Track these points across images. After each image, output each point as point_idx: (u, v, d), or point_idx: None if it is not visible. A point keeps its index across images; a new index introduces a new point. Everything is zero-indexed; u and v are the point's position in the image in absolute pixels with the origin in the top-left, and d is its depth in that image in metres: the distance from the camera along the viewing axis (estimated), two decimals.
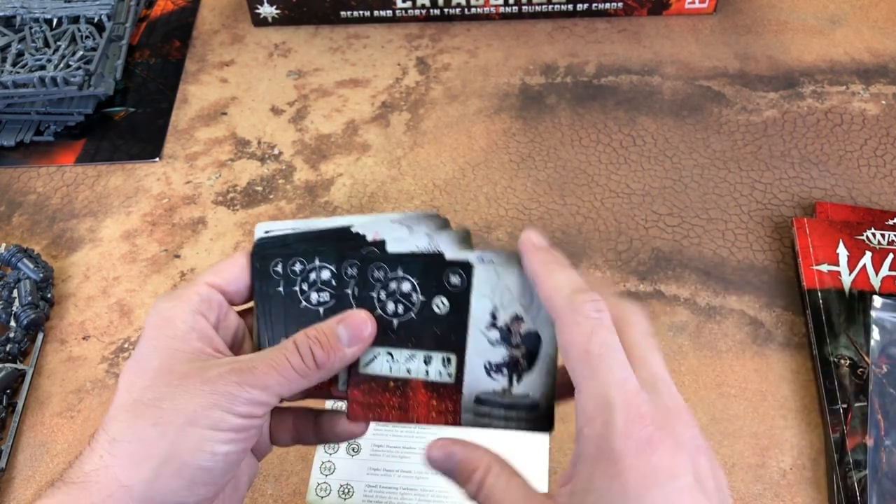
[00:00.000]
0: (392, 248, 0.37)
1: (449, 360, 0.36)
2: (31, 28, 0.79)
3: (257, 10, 0.82)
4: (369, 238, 0.37)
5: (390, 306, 0.36)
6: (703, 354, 0.56)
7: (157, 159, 0.71)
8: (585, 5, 0.81)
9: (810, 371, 0.54)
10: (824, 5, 0.82)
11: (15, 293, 0.59)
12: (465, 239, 0.37)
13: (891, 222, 0.60)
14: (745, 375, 0.55)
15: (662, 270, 0.61)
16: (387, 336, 0.36)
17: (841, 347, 0.53)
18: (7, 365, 0.55)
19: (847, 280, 0.56)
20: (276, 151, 0.71)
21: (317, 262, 0.37)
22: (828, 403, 0.51)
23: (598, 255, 0.62)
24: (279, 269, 0.37)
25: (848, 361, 0.52)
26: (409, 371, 0.36)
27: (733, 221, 0.64)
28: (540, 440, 0.52)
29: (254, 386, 0.32)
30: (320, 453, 0.52)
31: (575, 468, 0.30)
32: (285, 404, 0.37)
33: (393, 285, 0.36)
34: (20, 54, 0.76)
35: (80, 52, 0.76)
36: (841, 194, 0.65)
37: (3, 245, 0.63)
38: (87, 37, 0.78)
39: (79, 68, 0.74)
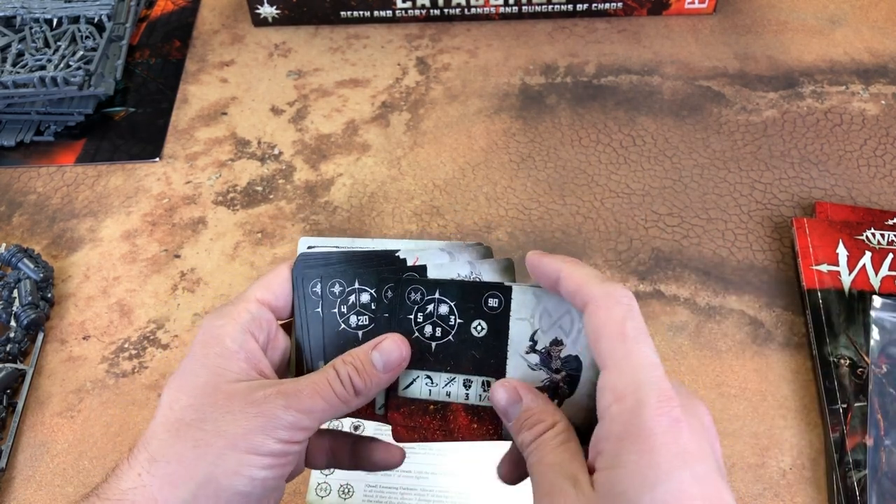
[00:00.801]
0: (432, 273, 0.36)
1: (489, 383, 0.36)
2: (31, 28, 0.79)
3: (257, 10, 0.82)
4: (409, 262, 0.37)
5: (427, 329, 0.36)
6: (703, 354, 0.56)
7: (158, 159, 0.71)
8: (585, 5, 0.81)
9: (810, 371, 0.54)
10: (824, 5, 0.82)
11: (15, 293, 0.59)
12: (508, 268, 0.37)
13: (890, 222, 0.60)
14: (745, 375, 0.55)
15: (662, 270, 0.61)
16: (424, 359, 0.36)
17: (841, 347, 0.53)
18: (7, 365, 0.55)
19: (847, 280, 0.56)
20: (276, 151, 0.71)
21: (356, 285, 0.36)
22: (827, 403, 0.51)
23: (598, 255, 0.62)
24: (318, 289, 0.37)
25: (848, 361, 0.52)
26: (448, 395, 0.36)
27: (733, 221, 0.64)
28: None
29: (299, 410, 0.32)
30: None
31: (598, 446, 0.30)
32: (323, 426, 0.37)
33: (430, 308, 0.36)
34: (20, 54, 0.76)
35: (81, 53, 0.76)
36: (841, 194, 0.65)
37: (4, 245, 0.63)
38: (87, 37, 0.78)
39: (79, 68, 0.74)
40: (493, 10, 0.81)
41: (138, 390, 0.55)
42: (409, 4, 0.81)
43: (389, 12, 0.81)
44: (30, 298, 0.58)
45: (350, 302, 0.36)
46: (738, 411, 0.53)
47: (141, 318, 0.60)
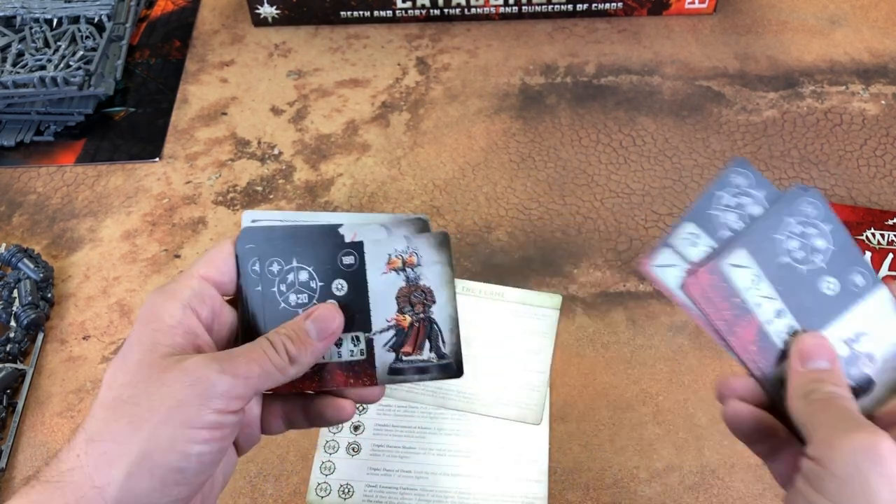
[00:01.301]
0: (369, 249, 0.37)
1: (357, 338, 0.37)
2: (31, 28, 0.79)
3: (257, 11, 0.82)
4: (348, 239, 0.38)
5: (292, 298, 0.37)
6: (703, 354, 0.56)
7: (158, 159, 0.71)
8: (585, 5, 0.81)
9: None
10: (824, 5, 0.82)
11: (15, 293, 0.59)
12: (444, 243, 0.38)
13: (890, 222, 0.60)
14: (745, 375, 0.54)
15: None
16: None
17: None
18: (7, 365, 0.55)
19: None
20: (276, 151, 0.71)
21: (294, 263, 0.37)
22: None
23: (598, 255, 0.62)
24: (257, 268, 0.37)
25: None
26: (322, 356, 0.36)
27: None
28: (540, 440, 0.52)
29: (234, 375, 0.32)
30: (321, 453, 0.52)
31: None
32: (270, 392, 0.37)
33: (290, 277, 0.37)
34: (20, 54, 0.76)
35: (81, 53, 0.76)
36: (841, 194, 0.65)
37: (4, 245, 0.63)
38: (87, 37, 0.78)
39: (79, 68, 0.74)
40: (493, 10, 0.81)
41: None
42: (409, 4, 0.81)
43: (389, 12, 0.81)
44: (30, 298, 0.58)
45: (289, 280, 0.37)
46: None
47: None
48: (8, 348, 0.56)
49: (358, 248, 0.37)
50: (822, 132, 0.70)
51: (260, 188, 0.68)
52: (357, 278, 0.37)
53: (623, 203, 0.65)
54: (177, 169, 0.70)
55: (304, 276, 0.37)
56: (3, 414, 0.53)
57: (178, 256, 0.63)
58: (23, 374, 0.56)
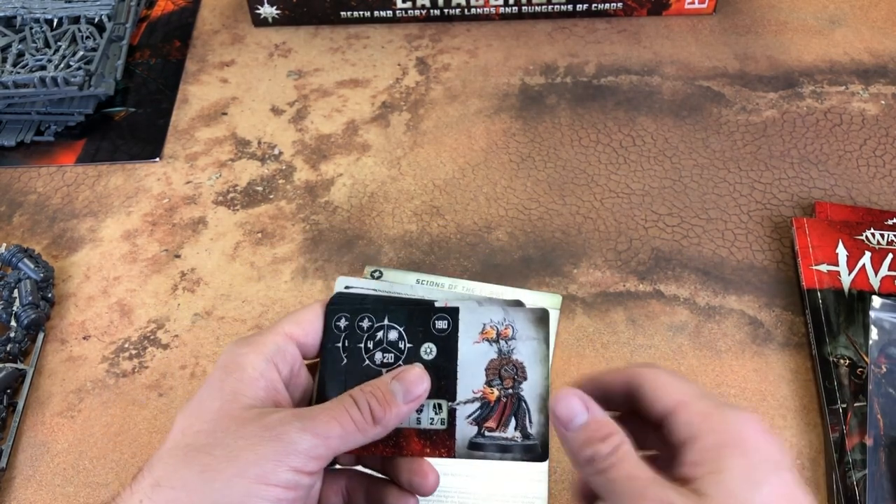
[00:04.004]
0: (464, 316, 0.36)
1: (440, 406, 0.36)
2: (31, 28, 0.79)
3: (257, 11, 0.82)
4: (439, 304, 0.37)
5: (378, 356, 0.36)
6: (703, 354, 0.56)
7: (158, 159, 0.71)
8: (585, 5, 0.81)
9: (809, 371, 0.54)
10: (824, 5, 0.82)
11: (15, 293, 0.59)
12: (543, 318, 0.36)
13: (890, 222, 0.60)
14: (745, 375, 0.55)
15: (662, 270, 0.61)
16: None
17: (840, 347, 0.53)
18: (7, 365, 0.55)
19: (846, 280, 0.56)
20: (276, 151, 0.71)
21: (385, 321, 0.36)
22: (827, 403, 0.51)
23: (598, 255, 0.62)
24: (344, 323, 0.36)
25: (847, 361, 0.52)
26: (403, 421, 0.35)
27: (733, 221, 0.64)
28: None
29: (315, 434, 0.31)
30: None
31: (695, 456, 0.30)
32: (338, 466, 0.36)
33: (380, 335, 0.36)
34: (21, 54, 0.76)
35: (81, 53, 0.76)
36: (840, 194, 0.65)
37: (4, 245, 0.63)
38: (87, 37, 0.78)
39: (79, 68, 0.74)
40: (493, 10, 0.81)
41: (138, 390, 0.55)
42: (409, 4, 0.81)
43: (389, 12, 0.81)
44: (30, 298, 0.58)
45: (377, 338, 0.36)
46: None
47: (141, 318, 0.60)
48: (8, 348, 0.56)
49: (453, 313, 0.36)
50: (821, 132, 0.70)
51: (260, 188, 0.68)
52: (448, 344, 0.36)
53: (623, 203, 0.65)
54: (177, 169, 0.70)
55: (393, 335, 0.36)
56: (4, 414, 0.54)
57: (178, 256, 0.64)
58: (23, 373, 0.56)
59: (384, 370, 0.36)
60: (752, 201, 0.65)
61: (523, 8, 0.81)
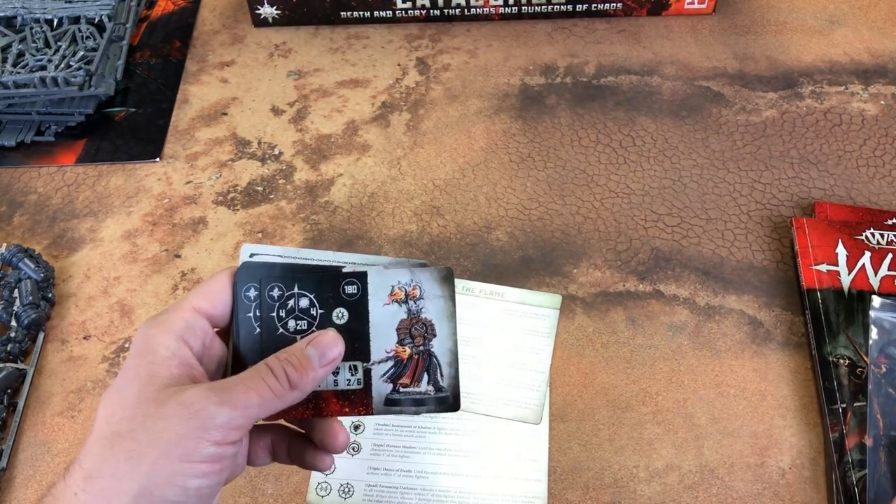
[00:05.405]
0: (372, 279, 0.37)
1: (355, 367, 0.37)
2: (31, 28, 0.79)
3: (257, 11, 0.82)
4: (347, 270, 0.38)
5: (291, 324, 0.37)
6: (703, 354, 0.56)
7: (158, 159, 0.71)
8: (585, 6, 0.81)
9: (809, 371, 0.54)
10: (823, 6, 0.82)
11: (16, 293, 0.59)
12: (448, 277, 0.38)
13: (890, 222, 0.60)
14: (745, 375, 0.55)
15: (662, 270, 0.61)
16: None
17: (840, 347, 0.53)
18: (8, 365, 0.55)
19: (846, 280, 0.56)
20: (276, 151, 0.71)
21: (296, 289, 0.37)
22: (827, 403, 0.51)
23: (598, 255, 0.62)
24: (254, 293, 0.37)
25: (847, 361, 0.52)
26: (321, 383, 0.36)
27: (732, 221, 0.64)
28: (540, 439, 0.52)
29: (233, 406, 0.32)
30: None
31: None
32: (262, 422, 0.36)
33: (291, 303, 0.37)
34: (21, 55, 0.76)
35: (81, 53, 0.76)
36: (840, 194, 0.65)
37: (4, 245, 0.63)
38: (87, 37, 0.78)
39: (79, 69, 0.74)
40: (492, 10, 0.81)
41: None
42: (409, 4, 0.81)
43: (389, 12, 0.81)
44: (30, 298, 0.58)
45: (289, 306, 0.37)
46: (738, 411, 0.53)
47: (141, 317, 0.60)
48: (9, 348, 0.56)
49: (361, 277, 0.37)
50: (821, 132, 0.70)
51: (260, 188, 0.68)
52: (358, 308, 0.37)
53: (623, 203, 0.65)
54: (177, 169, 0.70)
55: (304, 302, 0.37)
56: (4, 414, 0.54)
57: (178, 256, 0.64)
58: (23, 373, 0.56)
59: (298, 337, 0.37)
60: (751, 201, 0.65)
61: (523, 8, 0.81)
